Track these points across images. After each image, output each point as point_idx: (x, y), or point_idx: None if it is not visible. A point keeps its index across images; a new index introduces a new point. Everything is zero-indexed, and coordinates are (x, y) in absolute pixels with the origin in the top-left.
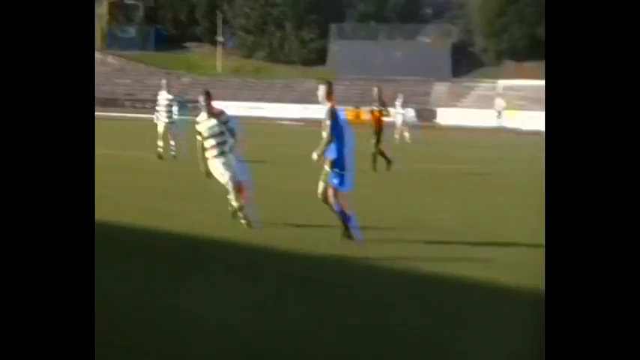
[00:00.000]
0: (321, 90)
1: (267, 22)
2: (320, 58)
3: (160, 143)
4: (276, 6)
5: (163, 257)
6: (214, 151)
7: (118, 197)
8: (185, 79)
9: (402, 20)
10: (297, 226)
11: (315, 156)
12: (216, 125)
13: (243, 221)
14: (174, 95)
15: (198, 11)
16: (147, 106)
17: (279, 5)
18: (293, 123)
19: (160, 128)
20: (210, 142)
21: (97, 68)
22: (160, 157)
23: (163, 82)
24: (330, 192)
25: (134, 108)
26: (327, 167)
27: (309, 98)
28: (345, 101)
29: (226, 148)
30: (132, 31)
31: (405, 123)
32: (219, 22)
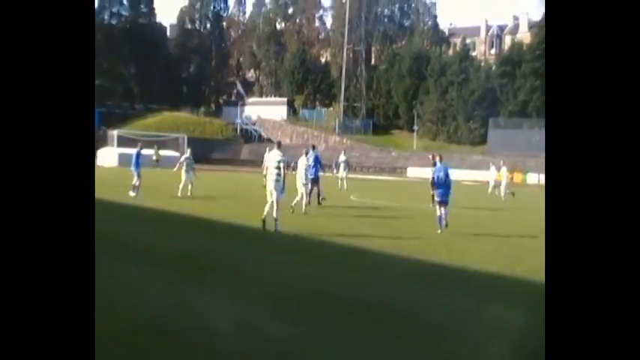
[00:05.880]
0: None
1: (446, 116)
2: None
3: None
4: (452, 105)
5: None
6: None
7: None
8: (394, 153)
9: (539, 116)
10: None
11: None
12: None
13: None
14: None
15: (400, 109)
16: (370, 170)
17: (453, 105)
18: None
19: None
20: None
21: (338, 146)
22: None
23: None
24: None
25: (361, 172)
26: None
27: (476, 166)
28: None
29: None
30: (357, 122)
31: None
32: (415, 116)
